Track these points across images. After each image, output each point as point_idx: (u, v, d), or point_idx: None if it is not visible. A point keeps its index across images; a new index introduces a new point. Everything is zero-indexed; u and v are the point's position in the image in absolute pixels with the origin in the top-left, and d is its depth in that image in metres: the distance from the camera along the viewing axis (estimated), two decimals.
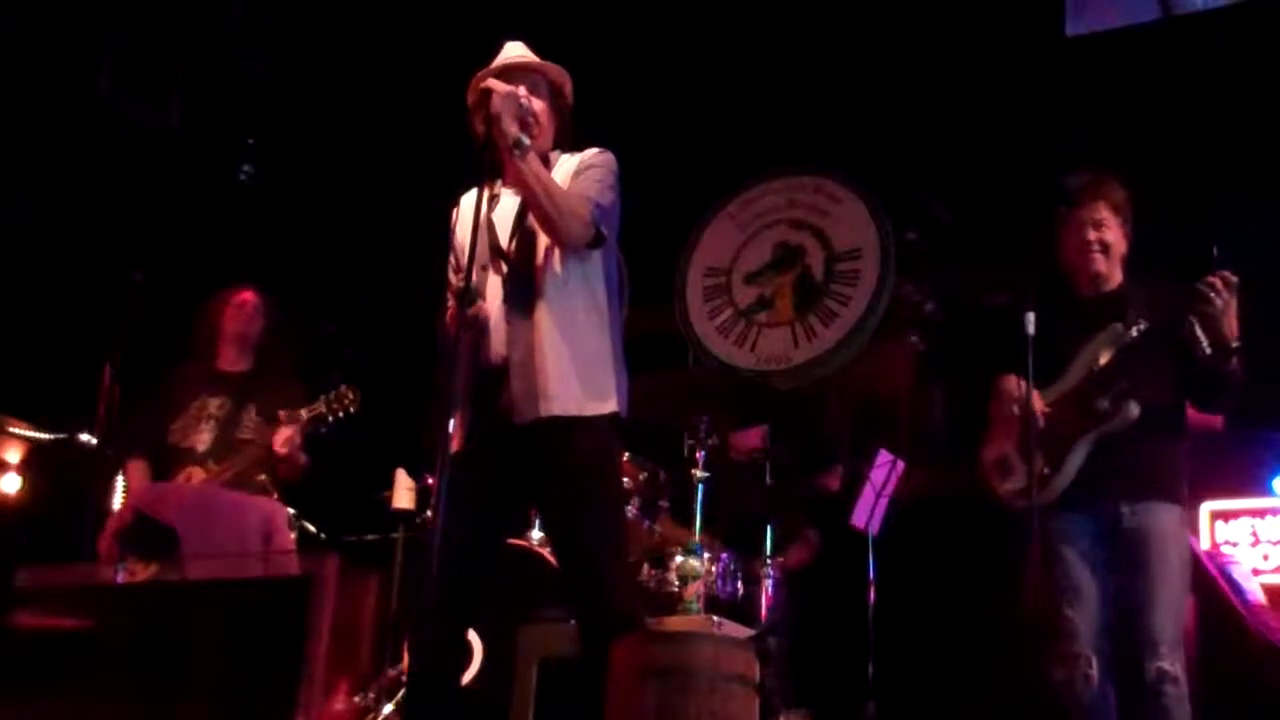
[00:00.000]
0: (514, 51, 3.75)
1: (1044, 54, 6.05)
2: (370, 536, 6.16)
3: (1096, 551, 3.87)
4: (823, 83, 6.61)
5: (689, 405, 5.61)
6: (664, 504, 5.61)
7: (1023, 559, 3.82)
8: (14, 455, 6.77)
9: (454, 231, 3.69)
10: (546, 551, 5.06)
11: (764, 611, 5.31)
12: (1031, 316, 3.84)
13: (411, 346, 7.75)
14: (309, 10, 6.80)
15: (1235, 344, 3.74)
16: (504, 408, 3.43)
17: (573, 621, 4.36)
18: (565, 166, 3.62)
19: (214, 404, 4.91)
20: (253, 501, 4.77)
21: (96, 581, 3.81)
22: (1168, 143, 5.75)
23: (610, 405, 3.48)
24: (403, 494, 5.98)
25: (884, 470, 5.66)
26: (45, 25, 6.25)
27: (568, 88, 3.76)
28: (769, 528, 5.49)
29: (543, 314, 3.44)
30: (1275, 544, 5.60)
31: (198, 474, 4.81)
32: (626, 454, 5.38)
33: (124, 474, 4.97)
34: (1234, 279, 3.73)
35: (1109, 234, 4.05)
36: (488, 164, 3.47)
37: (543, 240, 3.50)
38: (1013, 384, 4.04)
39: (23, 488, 6.80)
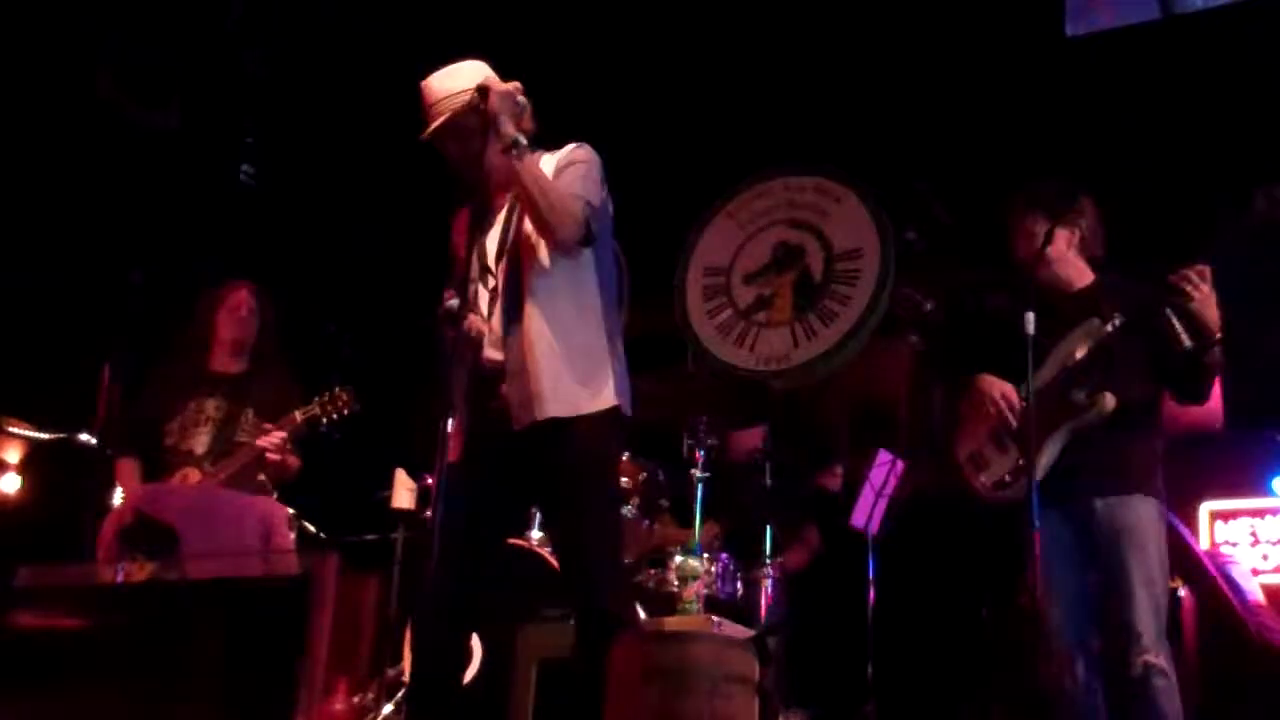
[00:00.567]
0: (436, 87, 3.67)
1: (1044, 54, 6.05)
2: (370, 536, 6.16)
3: (1074, 546, 3.89)
4: (823, 82, 6.61)
5: (688, 405, 5.61)
6: (664, 504, 5.61)
7: (1017, 557, 3.83)
8: (14, 455, 6.78)
9: (454, 246, 3.71)
10: (546, 551, 5.06)
11: (764, 612, 5.31)
12: (1031, 316, 3.85)
13: (411, 347, 7.77)
14: (309, 10, 6.80)
15: (1217, 335, 3.76)
16: (499, 412, 3.44)
17: (573, 621, 4.38)
18: (545, 166, 3.60)
19: (211, 406, 4.90)
20: (252, 501, 4.77)
21: (96, 581, 3.81)
22: (1168, 142, 5.75)
23: (607, 401, 3.48)
24: (402, 494, 5.98)
25: (883, 470, 5.66)
26: (45, 25, 6.25)
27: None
28: (769, 528, 5.49)
29: (533, 317, 3.45)
30: (1275, 544, 5.61)
31: (194, 475, 4.80)
32: (626, 454, 5.38)
33: (116, 473, 4.96)
34: (1206, 270, 3.74)
35: (1047, 244, 4.07)
36: (468, 185, 3.48)
37: (530, 246, 3.50)
38: (990, 382, 4.06)
39: (23, 487, 6.81)
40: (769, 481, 5.60)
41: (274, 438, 4.74)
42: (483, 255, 3.56)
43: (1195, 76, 5.76)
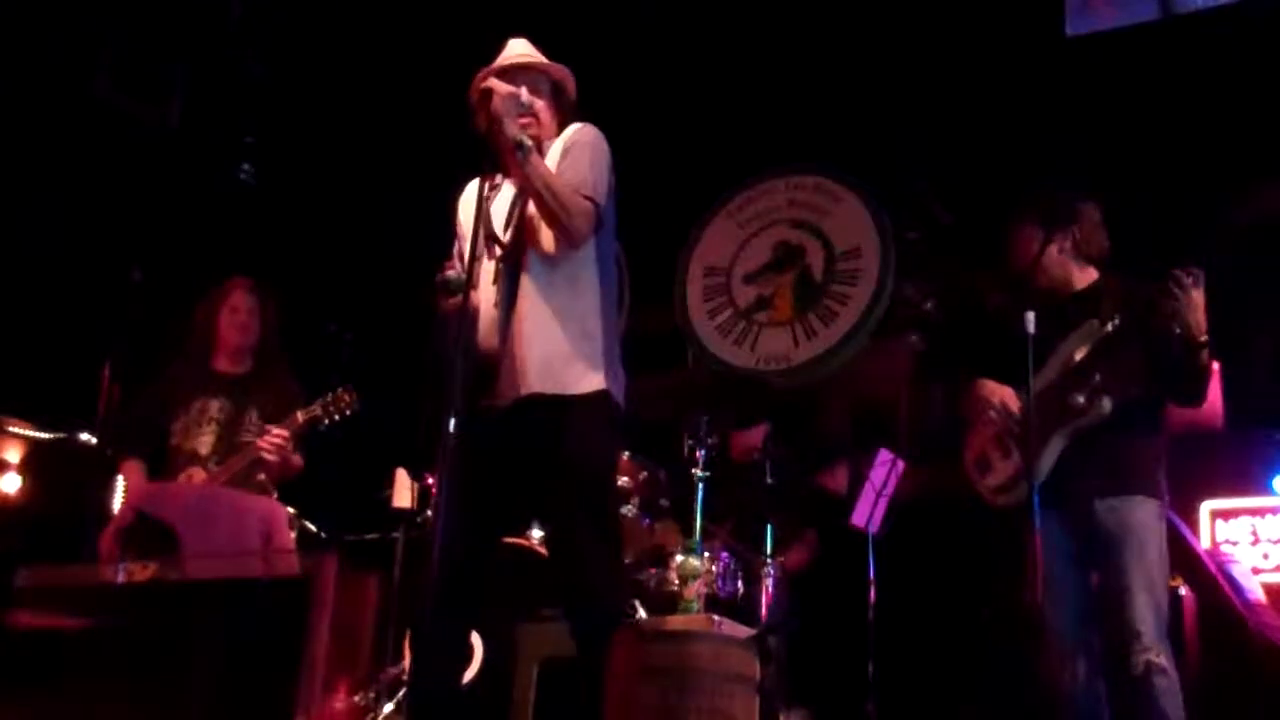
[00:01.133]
0: (517, 49, 3.78)
1: (1044, 53, 6.05)
2: (370, 536, 6.16)
3: (1072, 547, 3.89)
4: (823, 82, 6.61)
5: (689, 405, 5.61)
6: (664, 503, 5.61)
7: (1018, 557, 3.83)
8: (14, 455, 6.78)
9: (456, 221, 3.74)
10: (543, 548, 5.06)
11: (764, 611, 5.31)
12: (1031, 316, 3.87)
13: (411, 346, 7.76)
14: (309, 10, 6.80)
15: (1203, 338, 3.75)
16: (492, 395, 3.45)
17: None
18: (553, 150, 3.64)
19: (215, 406, 4.90)
20: (252, 501, 4.77)
21: (97, 581, 3.81)
22: (1168, 142, 5.75)
23: (596, 385, 3.47)
24: (403, 493, 5.98)
25: (884, 470, 5.66)
26: (45, 25, 6.24)
27: (570, 86, 3.78)
28: (769, 527, 5.49)
29: (533, 302, 3.47)
30: (1275, 543, 5.60)
31: (198, 475, 4.80)
32: (626, 454, 5.38)
33: (121, 473, 4.96)
34: (1199, 273, 3.74)
35: (1038, 251, 4.14)
36: (488, 157, 3.49)
37: (536, 230, 3.52)
38: (989, 387, 4.08)
39: (23, 487, 6.81)
40: (769, 481, 5.60)
41: (272, 439, 4.74)
42: (489, 223, 3.55)
43: (1194, 76, 5.76)
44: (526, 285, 3.49)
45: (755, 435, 6.01)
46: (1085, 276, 4.15)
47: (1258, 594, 5.08)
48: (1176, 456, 4.13)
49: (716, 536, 5.37)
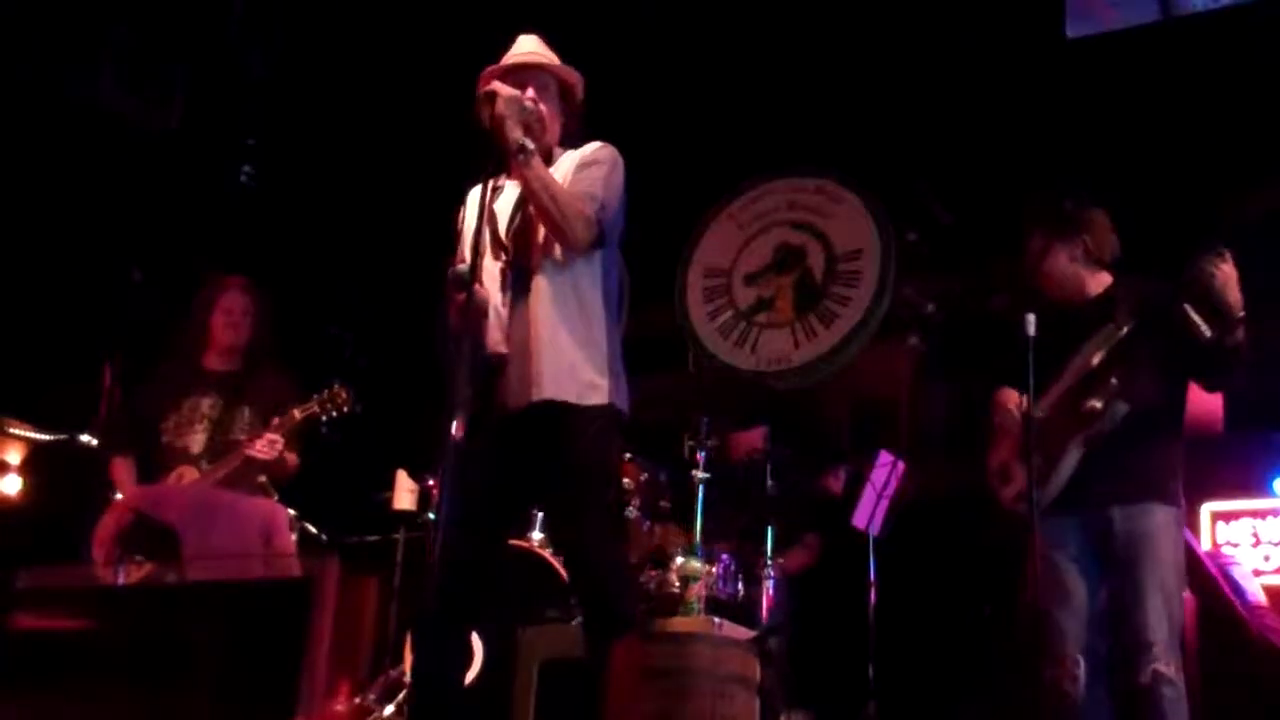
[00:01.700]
0: (526, 47, 3.76)
1: (1044, 55, 6.05)
2: (371, 538, 6.16)
3: (1087, 554, 3.88)
4: (823, 83, 6.61)
5: (689, 406, 5.61)
6: (665, 505, 5.61)
7: (1021, 560, 3.82)
8: (15, 456, 6.78)
9: (460, 221, 3.72)
10: (548, 553, 5.06)
11: (765, 612, 5.31)
12: (1032, 318, 3.86)
13: (412, 347, 7.77)
14: (310, 11, 6.80)
15: (1240, 314, 3.74)
16: (501, 397, 3.45)
17: (574, 623, 4.38)
18: (567, 162, 3.63)
19: (206, 404, 4.88)
20: (253, 503, 4.77)
21: (97, 583, 3.81)
22: (1168, 144, 5.75)
23: (604, 397, 3.47)
24: (403, 495, 5.99)
25: (884, 471, 5.66)
26: (46, 26, 6.24)
27: (578, 90, 3.76)
28: (769, 529, 5.49)
29: (542, 305, 3.46)
30: (1276, 545, 5.61)
31: (190, 474, 4.78)
32: (627, 455, 5.38)
33: (110, 472, 4.95)
34: (1225, 250, 3.73)
35: (1048, 261, 4.11)
36: (492, 156, 3.48)
37: (542, 232, 3.51)
38: (1011, 395, 4.08)
39: (24, 488, 6.80)
40: (769, 482, 5.60)
41: (264, 440, 4.72)
42: (494, 225, 3.55)
43: (1195, 78, 5.76)
44: (535, 290, 3.47)
45: (755, 436, 6.01)
46: (1099, 282, 4.12)
47: (1259, 596, 5.08)
48: None
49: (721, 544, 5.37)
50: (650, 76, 6.60)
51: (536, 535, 5.19)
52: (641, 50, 6.58)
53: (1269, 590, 5.22)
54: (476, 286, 3.38)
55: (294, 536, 5.06)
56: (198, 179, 6.90)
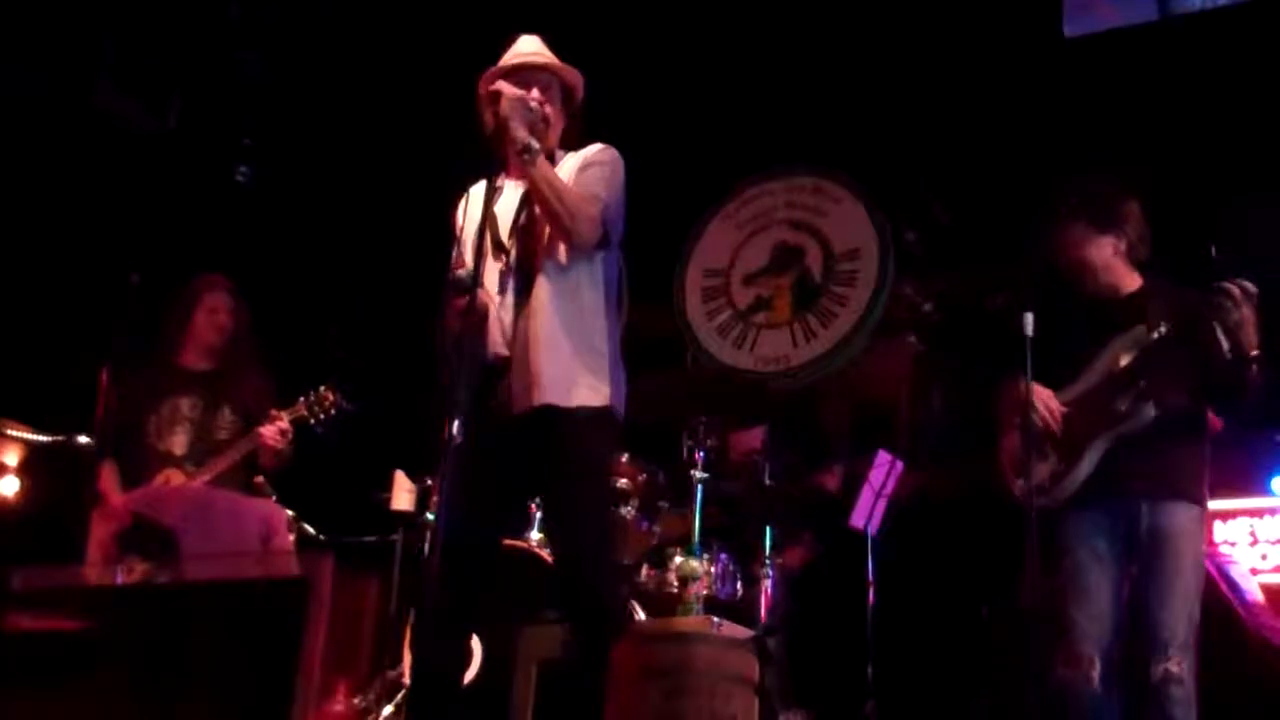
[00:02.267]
0: (528, 48, 3.76)
1: (1042, 54, 6.05)
2: (369, 538, 6.15)
3: (1112, 551, 3.85)
4: (821, 83, 6.61)
5: (687, 406, 5.60)
6: (663, 505, 5.60)
7: (1022, 557, 3.81)
8: (13, 457, 6.77)
9: (457, 223, 3.70)
10: (546, 552, 5.05)
11: (763, 612, 5.31)
12: (1030, 317, 3.85)
13: (410, 348, 7.76)
14: (306, 11, 6.80)
15: (1254, 353, 3.72)
16: (502, 400, 3.45)
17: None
18: (569, 164, 3.63)
19: (186, 404, 4.88)
20: (252, 504, 4.77)
21: (95, 583, 3.80)
22: (1166, 142, 5.75)
23: (603, 399, 3.48)
24: (401, 495, 5.97)
25: (883, 471, 5.66)
26: (43, 28, 6.24)
27: (579, 90, 3.77)
28: (768, 529, 5.49)
29: (543, 307, 3.46)
30: (1274, 544, 5.61)
31: (176, 477, 4.77)
32: (625, 455, 5.38)
33: (97, 475, 4.94)
34: (1252, 289, 3.70)
35: (1083, 251, 4.07)
36: (493, 157, 3.47)
37: (544, 234, 3.51)
38: (1033, 387, 3.99)
39: (21, 490, 6.80)
40: (768, 482, 5.59)
41: (276, 428, 4.71)
42: (494, 228, 3.54)
43: (1193, 77, 5.76)
44: (536, 292, 3.48)
45: (754, 436, 6.00)
46: (1132, 281, 4.09)
47: (1256, 595, 5.08)
48: None
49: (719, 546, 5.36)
50: (648, 76, 6.60)
51: (535, 535, 5.19)
52: (640, 50, 6.58)
53: (1266, 589, 5.21)
54: (480, 291, 3.38)
55: (292, 537, 5.06)
56: (194, 180, 6.89)
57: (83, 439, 5.51)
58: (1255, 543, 5.62)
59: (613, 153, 3.67)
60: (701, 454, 5.38)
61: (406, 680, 5.17)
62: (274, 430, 4.71)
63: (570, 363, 3.45)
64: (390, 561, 6.03)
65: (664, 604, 4.96)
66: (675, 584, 4.98)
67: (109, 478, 4.86)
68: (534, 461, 3.44)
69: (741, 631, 4.61)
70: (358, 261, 7.36)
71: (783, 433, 5.92)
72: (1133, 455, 3.84)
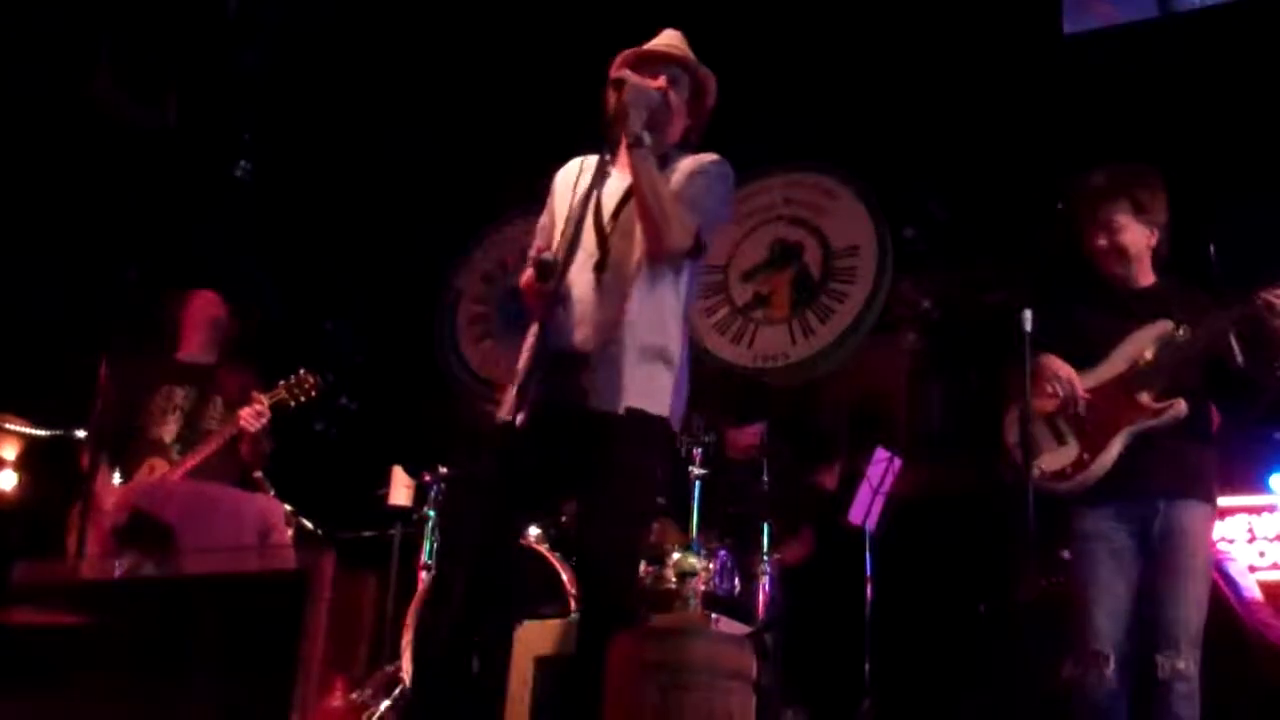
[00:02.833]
0: (666, 39, 3.70)
1: (1042, 51, 6.05)
2: (367, 533, 6.16)
3: (1128, 547, 3.83)
4: (820, 80, 6.61)
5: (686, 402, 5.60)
6: (661, 501, 5.60)
7: (1025, 550, 3.80)
8: (11, 452, 6.78)
9: (555, 189, 3.65)
10: (544, 549, 5.06)
11: (761, 608, 5.31)
12: (1029, 314, 3.83)
13: (409, 344, 7.77)
14: (305, 6, 6.79)
15: None
16: (579, 393, 3.36)
17: (570, 618, 4.37)
18: (681, 166, 3.56)
19: (179, 394, 4.88)
20: (250, 499, 4.77)
21: (94, 577, 3.80)
22: (1165, 140, 5.74)
23: (667, 409, 3.42)
24: (399, 491, 5.98)
25: (881, 467, 5.66)
26: (42, 24, 6.24)
27: (710, 92, 3.70)
28: (766, 525, 5.49)
29: (632, 306, 3.38)
30: (1271, 541, 5.61)
31: (160, 465, 4.78)
32: None
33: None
34: None
35: (1124, 236, 3.98)
36: (607, 139, 3.43)
37: (638, 232, 3.44)
38: (1056, 363, 3.94)
39: (20, 484, 6.80)
40: (766, 478, 5.60)
41: (252, 410, 4.70)
42: (599, 212, 3.47)
43: (1193, 75, 5.76)
44: (628, 291, 3.39)
45: (752, 433, 6.01)
46: (1148, 276, 4.05)
47: (1254, 592, 5.08)
48: None
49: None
50: None
51: (533, 530, 5.19)
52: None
53: (1264, 586, 5.21)
54: (565, 276, 3.34)
55: (290, 532, 5.06)
56: (194, 175, 6.89)
57: (80, 433, 5.52)
58: (1253, 540, 5.63)
59: (725, 166, 3.60)
60: (699, 450, 5.38)
61: (404, 676, 5.17)
62: (250, 412, 4.69)
63: (652, 368, 3.38)
64: (388, 557, 6.03)
65: (662, 600, 4.96)
66: (673, 580, 4.98)
67: (103, 477, 4.86)
68: (589, 459, 3.35)
69: (739, 628, 4.62)
70: (356, 257, 7.36)
71: (781, 429, 5.92)
72: (1153, 452, 3.83)
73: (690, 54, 3.69)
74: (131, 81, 6.47)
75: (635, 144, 3.36)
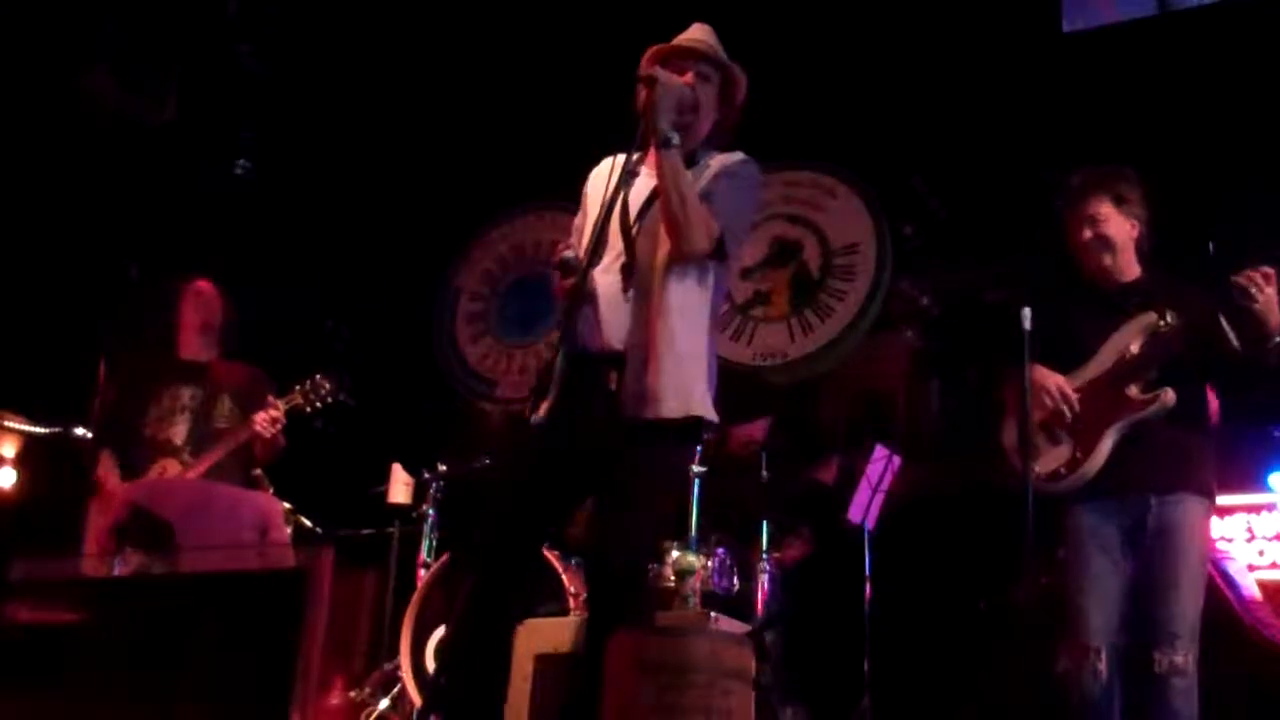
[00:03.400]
0: (695, 34, 3.66)
1: (1041, 49, 6.05)
2: (366, 531, 6.16)
3: (1120, 543, 3.83)
4: (819, 77, 6.60)
5: None
6: None
7: (1024, 549, 3.80)
8: (9, 449, 6.77)
9: (586, 195, 3.63)
10: (544, 548, 5.05)
11: (760, 606, 5.31)
12: (1028, 311, 3.84)
13: (408, 342, 7.77)
14: (305, 4, 6.79)
15: (1276, 338, 3.71)
16: (610, 397, 3.33)
17: (570, 616, 4.37)
18: (709, 166, 3.53)
19: (186, 394, 4.87)
20: (249, 496, 4.76)
21: (93, 575, 3.80)
22: (1164, 138, 5.75)
23: (698, 411, 3.38)
24: (398, 488, 5.98)
25: (880, 465, 5.66)
26: (41, 20, 6.23)
27: (740, 89, 3.67)
28: (765, 523, 5.49)
29: (663, 309, 3.35)
30: (1270, 540, 5.60)
31: (173, 467, 4.77)
32: None
33: (97, 466, 4.93)
34: (1273, 273, 3.70)
35: (1109, 227, 4.01)
36: (635, 135, 3.40)
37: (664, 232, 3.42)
38: (1044, 374, 3.97)
39: (19, 481, 6.80)
40: (765, 476, 5.59)
41: (267, 416, 4.70)
42: (625, 213, 3.45)
43: (1192, 72, 5.76)
44: (656, 292, 3.36)
45: (751, 430, 6.00)
46: (1134, 270, 4.07)
47: (1253, 591, 5.08)
48: None
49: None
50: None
51: None
52: (638, 45, 6.57)
53: (1263, 585, 5.21)
54: (588, 277, 3.33)
55: (289, 530, 5.06)
56: (193, 173, 6.89)
57: (79, 430, 5.51)
58: (1252, 539, 5.61)
59: (753, 168, 3.58)
60: (699, 448, 5.38)
61: (402, 674, 5.17)
62: (266, 417, 4.69)
63: (685, 374, 3.34)
64: (387, 555, 6.03)
65: (661, 598, 4.96)
66: (672, 578, 4.98)
67: (107, 465, 4.86)
68: (617, 461, 3.32)
69: (738, 626, 4.62)
70: (356, 255, 7.35)
71: (779, 427, 5.92)
72: (1144, 446, 3.83)
73: (720, 50, 3.65)
74: (131, 78, 6.47)
75: (664, 144, 3.33)
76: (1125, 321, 3.93)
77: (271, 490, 4.96)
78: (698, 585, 5.00)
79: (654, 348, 3.31)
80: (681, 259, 3.38)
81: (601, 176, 3.56)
